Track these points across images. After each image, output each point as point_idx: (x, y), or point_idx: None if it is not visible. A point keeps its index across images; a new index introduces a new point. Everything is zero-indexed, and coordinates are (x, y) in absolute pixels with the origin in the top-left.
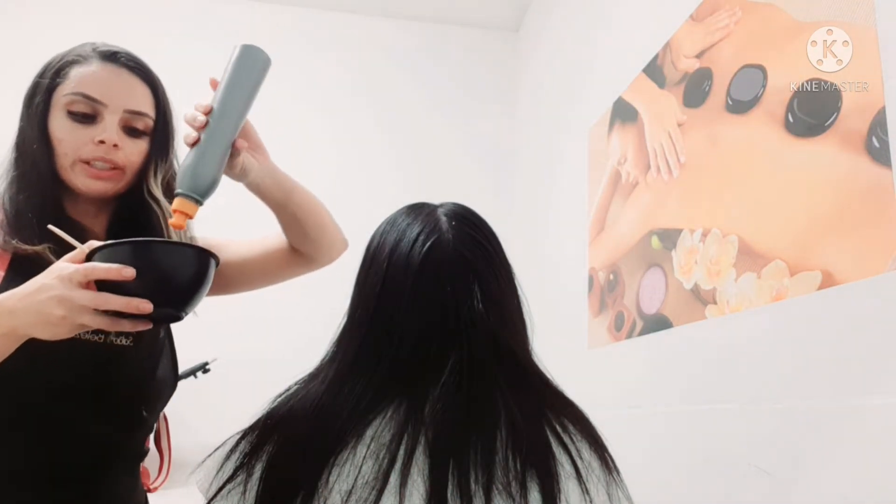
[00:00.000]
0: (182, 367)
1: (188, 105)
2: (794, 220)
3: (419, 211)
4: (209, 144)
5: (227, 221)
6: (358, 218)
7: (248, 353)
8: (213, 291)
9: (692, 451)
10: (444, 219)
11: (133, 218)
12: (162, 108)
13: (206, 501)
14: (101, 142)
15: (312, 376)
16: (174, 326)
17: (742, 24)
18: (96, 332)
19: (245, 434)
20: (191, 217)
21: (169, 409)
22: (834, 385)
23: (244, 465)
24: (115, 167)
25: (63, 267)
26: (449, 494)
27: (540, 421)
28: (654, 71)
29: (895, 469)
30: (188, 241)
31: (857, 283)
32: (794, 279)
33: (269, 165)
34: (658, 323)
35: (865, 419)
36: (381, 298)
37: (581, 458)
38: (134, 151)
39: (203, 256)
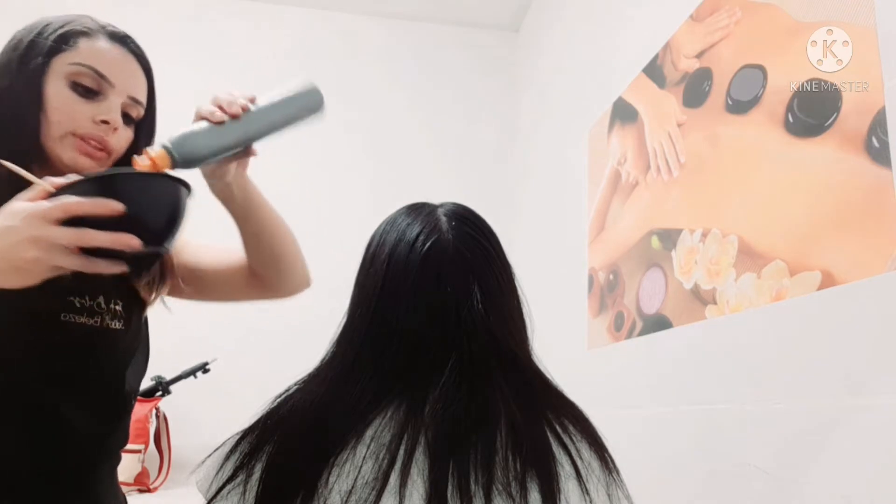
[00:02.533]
0: (182, 368)
1: (174, 105)
2: (794, 220)
3: (419, 211)
4: (226, 133)
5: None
6: (357, 218)
7: (248, 353)
8: (170, 292)
9: (692, 452)
10: (443, 219)
11: None
12: (153, 100)
13: (206, 502)
14: (104, 122)
15: (312, 376)
16: (167, 318)
17: (742, 25)
18: (91, 314)
19: (245, 434)
20: (159, 169)
21: (169, 409)
22: (834, 385)
23: (244, 466)
24: (105, 150)
25: (31, 206)
26: (449, 495)
27: (540, 421)
28: (654, 71)
29: (895, 469)
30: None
31: (857, 283)
32: (794, 279)
33: (244, 175)
34: (658, 323)
35: (865, 419)
36: (381, 298)
37: (581, 458)
38: (124, 137)
39: (175, 185)
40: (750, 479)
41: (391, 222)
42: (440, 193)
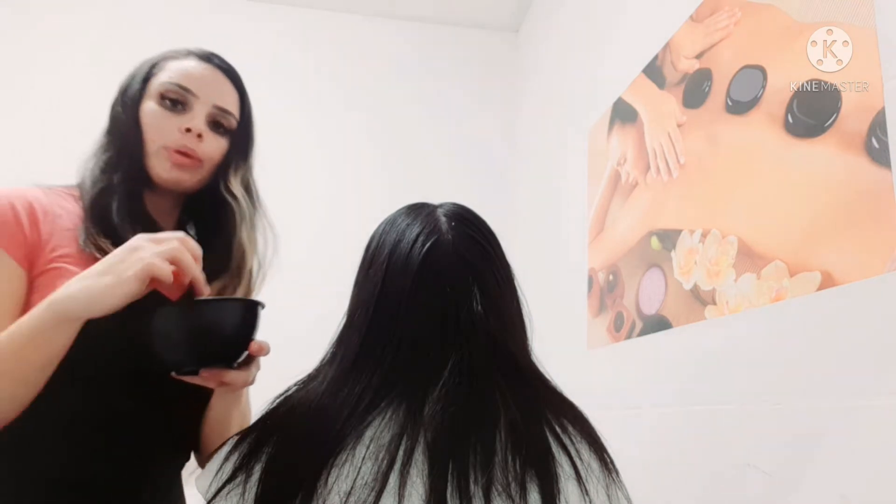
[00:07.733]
0: None
1: None
2: (793, 221)
3: (419, 211)
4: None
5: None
6: (357, 219)
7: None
8: None
9: (692, 452)
10: (443, 219)
11: (202, 217)
12: (247, 111)
13: (206, 502)
14: (188, 130)
15: (312, 377)
16: None
17: (742, 25)
18: None
19: (244, 435)
20: None
21: None
22: (834, 385)
23: (243, 466)
24: (194, 157)
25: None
26: (448, 495)
27: (539, 422)
28: (653, 71)
29: (895, 469)
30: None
31: (856, 284)
32: (794, 280)
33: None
34: (657, 323)
35: (865, 419)
36: (381, 299)
37: (580, 458)
38: (214, 146)
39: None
40: (750, 479)
41: (391, 222)
42: (440, 193)
